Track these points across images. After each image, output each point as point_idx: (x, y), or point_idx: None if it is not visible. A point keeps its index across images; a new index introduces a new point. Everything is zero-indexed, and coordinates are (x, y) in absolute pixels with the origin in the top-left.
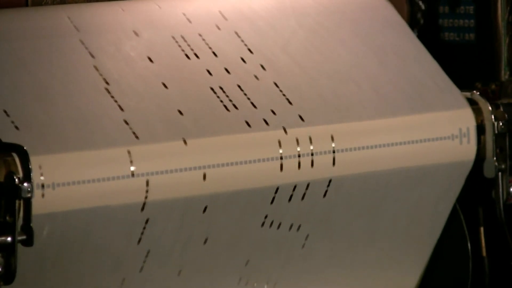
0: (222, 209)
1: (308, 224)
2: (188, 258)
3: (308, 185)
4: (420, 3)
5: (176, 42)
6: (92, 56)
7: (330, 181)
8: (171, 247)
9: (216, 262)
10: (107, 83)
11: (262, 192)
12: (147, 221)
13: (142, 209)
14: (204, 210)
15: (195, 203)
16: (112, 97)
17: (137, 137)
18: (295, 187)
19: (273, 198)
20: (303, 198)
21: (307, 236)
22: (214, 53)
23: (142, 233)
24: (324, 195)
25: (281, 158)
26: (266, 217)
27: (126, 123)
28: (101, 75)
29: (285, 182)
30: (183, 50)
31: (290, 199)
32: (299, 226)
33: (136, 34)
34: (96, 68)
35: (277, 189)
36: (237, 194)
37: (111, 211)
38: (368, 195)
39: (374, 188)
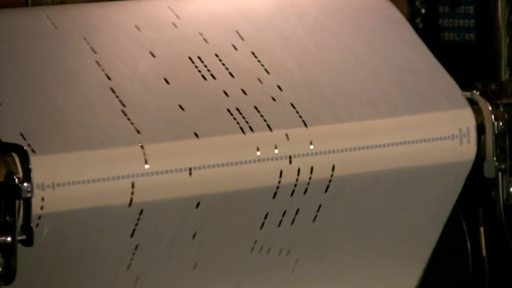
0: (211, 234)
1: (298, 248)
2: (178, 283)
3: (297, 210)
4: (420, 3)
5: (193, 63)
6: (109, 78)
7: (320, 206)
8: (162, 272)
9: (206, 286)
10: (123, 105)
11: (251, 217)
12: (136, 247)
13: (132, 235)
14: (194, 236)
15: (185, 228)
16: (129, 119)
17: (146, 163)
18: (284, 212)
19: (263, 224)
20: (292, 223)
21: (297, 261)
22: (230, 73)
23: (131, 259)
24: (314, 220)
25: (277, 187)
26: (255, 242)
27: (142, 147)
28: (117, 97)
29: (275, 208)
30: (199, 71)
31: (279, 224)
32: (289, 251)
33: (152, 55)
34: (112, 90)
35: (267, 214)
36: (227, 219)
37: (111, 211)
38: (360, 212)
39: (368, 195)
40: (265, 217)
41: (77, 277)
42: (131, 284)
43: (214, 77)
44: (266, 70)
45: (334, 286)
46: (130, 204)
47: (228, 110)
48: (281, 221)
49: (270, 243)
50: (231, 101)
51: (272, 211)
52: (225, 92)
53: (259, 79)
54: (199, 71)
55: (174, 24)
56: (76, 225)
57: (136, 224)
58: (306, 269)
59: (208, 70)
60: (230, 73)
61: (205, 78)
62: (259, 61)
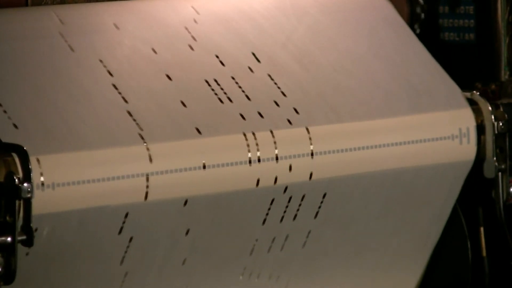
0: (201, 261)
1: (288, 273)
2: None
3: (287, 236)
4: (420, 3)
5: (209, 85)
6: (126, 102)
7: (309, 232)
8: None
9: None
10: (141, 129)
11: (241, 243)
12: (126, 274)
13: (121, 262)
14: (184, 262)
15: (174, 255)
16: (145, 143)
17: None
18: (274, 238)
19: (252, 249)
20: (282, 249)
21: (287, 285)
22: (247, 96)
23: (121, 286)
24: (303, 246)
25: (267, 214)
26: (245, 268)
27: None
28: (134, 120)
29: (265, 234)
30: (216, 94)
31: (269, 250)
32: (278, 277)
33: (169, 78)
34: (129, 113)
35: (257, 240)
36: (216, 245)
37: (111, 211)
38: (358, 215)
39: (363, 203)
40: (255, 243)
41: (77, 274)
42: None
43: (230, 100)
44: (282, 92)
45: (335, 285)
46: (120, 232)
47: (244, 134)
48: (270, 247)
49: (259, 269)
50: (248, 125)
51: (261, 238)
52: (242, 115)
53: (275, 102)
54: (216, 94)
55: (190, 46)
56: (76, 225)
57: (126, 252)
58: None
59: (225, 93)
60: (247, 96)
61: (221, 101)
62: (275, 83)
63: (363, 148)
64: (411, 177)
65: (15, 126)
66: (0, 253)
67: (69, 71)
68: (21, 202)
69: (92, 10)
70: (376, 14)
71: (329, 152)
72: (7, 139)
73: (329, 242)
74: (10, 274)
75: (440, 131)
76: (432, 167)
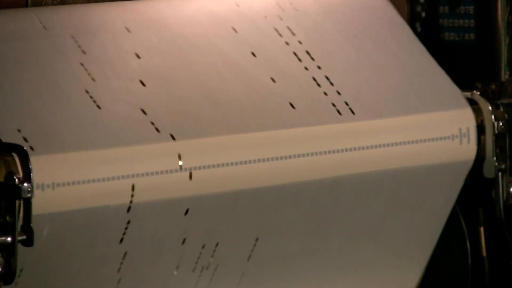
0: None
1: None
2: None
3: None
4: (420, 3)
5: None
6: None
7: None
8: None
9: None
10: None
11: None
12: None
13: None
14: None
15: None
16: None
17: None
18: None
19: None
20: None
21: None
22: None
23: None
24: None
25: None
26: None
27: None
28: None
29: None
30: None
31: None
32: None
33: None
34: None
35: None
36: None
37: (111, 211)
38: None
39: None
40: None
41: (77, 274)
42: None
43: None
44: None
45: (336, 285)
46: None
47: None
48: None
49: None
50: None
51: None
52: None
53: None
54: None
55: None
56: (76, 225)
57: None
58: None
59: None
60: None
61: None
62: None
63: (363, 148)
64: (411, 177)
65: (15, 125)
66: (0, 253)
67: (69, 71)
68: (21, 202)
69: (93, 11)
70: (376, 14)
71: (329, 152)
72: (7, 139)
73: (329, 241)
74: (10, 274)
75: (440, 131)
76: (432, 167)
